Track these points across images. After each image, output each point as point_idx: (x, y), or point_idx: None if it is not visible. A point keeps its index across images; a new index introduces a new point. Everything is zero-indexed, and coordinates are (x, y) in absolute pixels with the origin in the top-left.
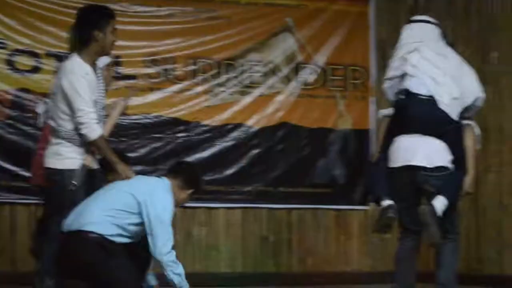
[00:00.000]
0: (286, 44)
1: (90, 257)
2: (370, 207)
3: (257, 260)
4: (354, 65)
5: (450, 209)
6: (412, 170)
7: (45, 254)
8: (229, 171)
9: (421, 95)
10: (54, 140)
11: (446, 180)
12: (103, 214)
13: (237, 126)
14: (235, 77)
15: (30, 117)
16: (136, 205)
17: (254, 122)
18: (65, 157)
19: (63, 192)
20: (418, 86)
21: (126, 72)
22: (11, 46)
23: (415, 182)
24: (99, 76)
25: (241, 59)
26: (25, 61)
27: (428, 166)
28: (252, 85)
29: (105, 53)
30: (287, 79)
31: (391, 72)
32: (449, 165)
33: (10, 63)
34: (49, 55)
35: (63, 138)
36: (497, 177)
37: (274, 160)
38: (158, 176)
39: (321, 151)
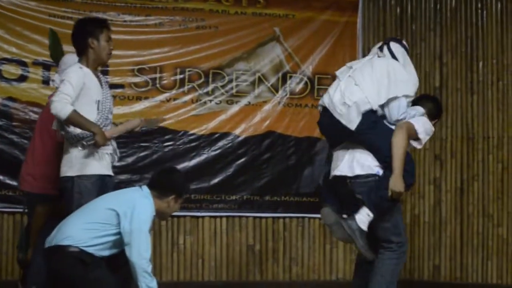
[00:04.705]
0: (274, 53)
1: (69, 271)
2: None
3: (242, 269)
4: None
5: (382, 215)
6: (339, 180)
7: (32, 264)
8: (215, 180)
9: (322, 107)
10: (66, 148)
11: (370, 186)
12: (81, 228)
13: (224, 135)
14: (223, 86)
15: (17, 126)
16: (115, 217)
17: (241, 131)
18: (76, 163)
19: (71, 198)
20: (323, 99)
21: (113, 81)
22: None
23: (348, 191)
24: (103, 82)
25: (228, 68)
26: (12, 70)
27: (349, 175)
28: (239, 94)
29: (101, 61)
30: (274, 88)
31: None
32: (374, 171)
33: None
34: (36, 64)
35: (71, 144)
36: (482, 186)
37: (261, 169)
38: (138, 186)
39: (308, 160)
